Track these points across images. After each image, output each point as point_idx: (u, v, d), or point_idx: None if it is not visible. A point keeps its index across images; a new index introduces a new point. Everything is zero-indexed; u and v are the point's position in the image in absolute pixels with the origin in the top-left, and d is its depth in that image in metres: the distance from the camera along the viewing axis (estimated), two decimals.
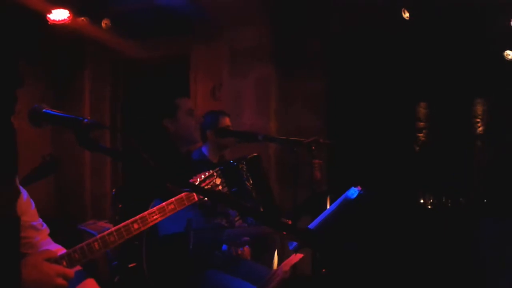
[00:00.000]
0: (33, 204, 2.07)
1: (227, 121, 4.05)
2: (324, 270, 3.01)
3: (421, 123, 5.81)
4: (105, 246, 1.90)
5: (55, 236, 2.14)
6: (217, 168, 2.41)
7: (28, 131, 2.20)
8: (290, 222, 3.61)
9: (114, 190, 3.73)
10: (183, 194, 2.15)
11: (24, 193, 2.00)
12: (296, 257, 2.69)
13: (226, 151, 4.19)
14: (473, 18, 5.22)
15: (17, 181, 1.89)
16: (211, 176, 2.34)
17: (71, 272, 1.83)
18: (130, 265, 2.83)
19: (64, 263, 1.84)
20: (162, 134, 3.33)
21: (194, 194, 2.16)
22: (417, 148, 5.78)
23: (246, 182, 3.60)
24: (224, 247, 3.66)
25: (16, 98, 1.82)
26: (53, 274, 1.79)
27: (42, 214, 2.15)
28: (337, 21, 5.68)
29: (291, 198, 3.96)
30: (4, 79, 1.82)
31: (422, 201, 5.56)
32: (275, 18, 5.78)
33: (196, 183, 2.31)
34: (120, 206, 3.12)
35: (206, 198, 2.16)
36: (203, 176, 2.33)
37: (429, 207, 5.54)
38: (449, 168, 5.55)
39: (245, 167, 3.65)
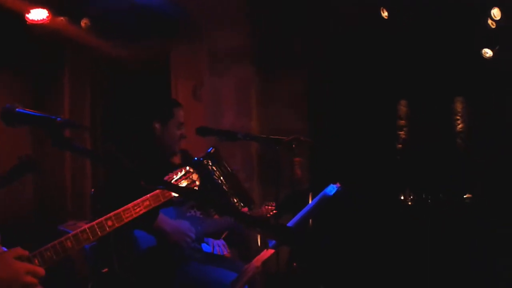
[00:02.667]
0: None
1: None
2: (295, 264, 3.02)
3: (402, 121, 5.85)
4: (78, 243, 1.87)
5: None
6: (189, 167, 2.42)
7: (6, 132, 2.17)
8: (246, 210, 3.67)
9: (92, 190, 3.71)
10: (158, 190, 2.15)
11: None
12: (267, 253, 2.70)
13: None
14: (452, 17, 5.27)
15: None
16: (187, 172, 2.34)
17: (41, 270, 1.79)
18: (103, 270, 2.82)
19: (36, 261, 1.80)
20: (148, 134, 3.34)
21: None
22: (398, 145, 5.82)
23: (214, 177, 3.63)
24: (206, 248, 3.67)
25: None
26: (22, 272, 1.74)
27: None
28: (318, 22, 5.70)
29: (273, 196, 3.98)
30: None
31: (402, 197, 5.59)
32: (255, 19, 5.78)
33: (173, 180, 2.31)
34: (98, 206, 3.11)
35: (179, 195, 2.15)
36: (179, 173, 2.33)
37: (409, 203, 5.57)
38: (429, 166, 5.59)
39: (209, 161, 3.68)
